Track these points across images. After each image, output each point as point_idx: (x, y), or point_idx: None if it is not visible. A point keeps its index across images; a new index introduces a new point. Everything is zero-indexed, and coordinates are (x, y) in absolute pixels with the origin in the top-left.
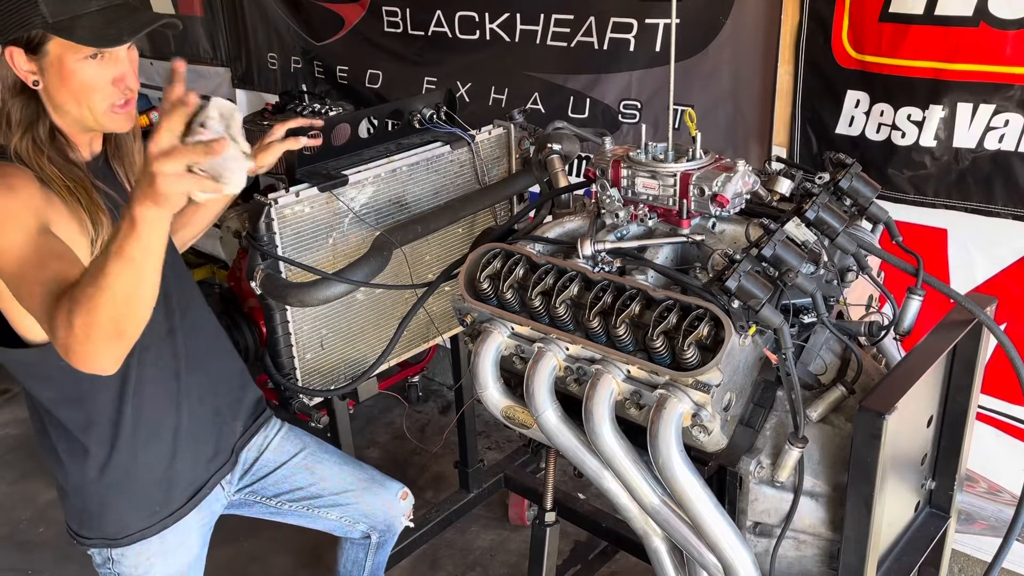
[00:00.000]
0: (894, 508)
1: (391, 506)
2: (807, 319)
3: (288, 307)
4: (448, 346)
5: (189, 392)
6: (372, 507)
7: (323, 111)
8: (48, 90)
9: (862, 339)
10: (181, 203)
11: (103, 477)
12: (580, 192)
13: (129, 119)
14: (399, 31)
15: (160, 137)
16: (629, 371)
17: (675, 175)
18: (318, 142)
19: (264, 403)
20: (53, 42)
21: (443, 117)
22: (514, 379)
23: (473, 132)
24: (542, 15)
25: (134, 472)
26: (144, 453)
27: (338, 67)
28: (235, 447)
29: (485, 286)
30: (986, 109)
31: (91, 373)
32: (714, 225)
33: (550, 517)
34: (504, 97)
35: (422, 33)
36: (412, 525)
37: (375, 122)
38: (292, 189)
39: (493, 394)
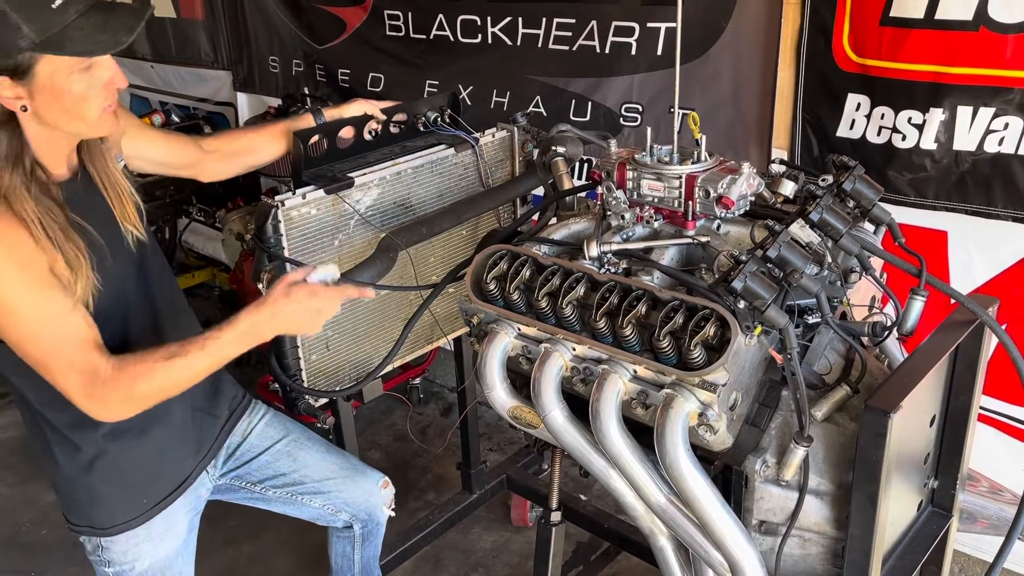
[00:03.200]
0: (897, 507)
1: (371, 494)
2: (811, 319)
3: None
4: (450, 348)
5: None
6: (353, 495)
7: None
8: (37, 112)
9: (865, 339)
10: None
11: (92, 471)
12: (583, 194)
13: (115, 116)
14: (401, 35)
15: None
16: (636, 371)
17: (680, 177)
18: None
19: (239, 388)
20: (43, 62)
21: (447, 120)
22: (520, 380)
23: (477, 135)
24: (544, 19)
25: (124, 467)
26: (133, 452)
27: (340, 70)
28: (218, 436)
29: (492, 287)
30: (986, 112)
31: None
32: (719, 227)
33: (556, 517)
34: (506, 101)
35: (424, 37)
36: (394, 514)
37: (378, 125)
38: (298, 191)
39: (500, 394)
